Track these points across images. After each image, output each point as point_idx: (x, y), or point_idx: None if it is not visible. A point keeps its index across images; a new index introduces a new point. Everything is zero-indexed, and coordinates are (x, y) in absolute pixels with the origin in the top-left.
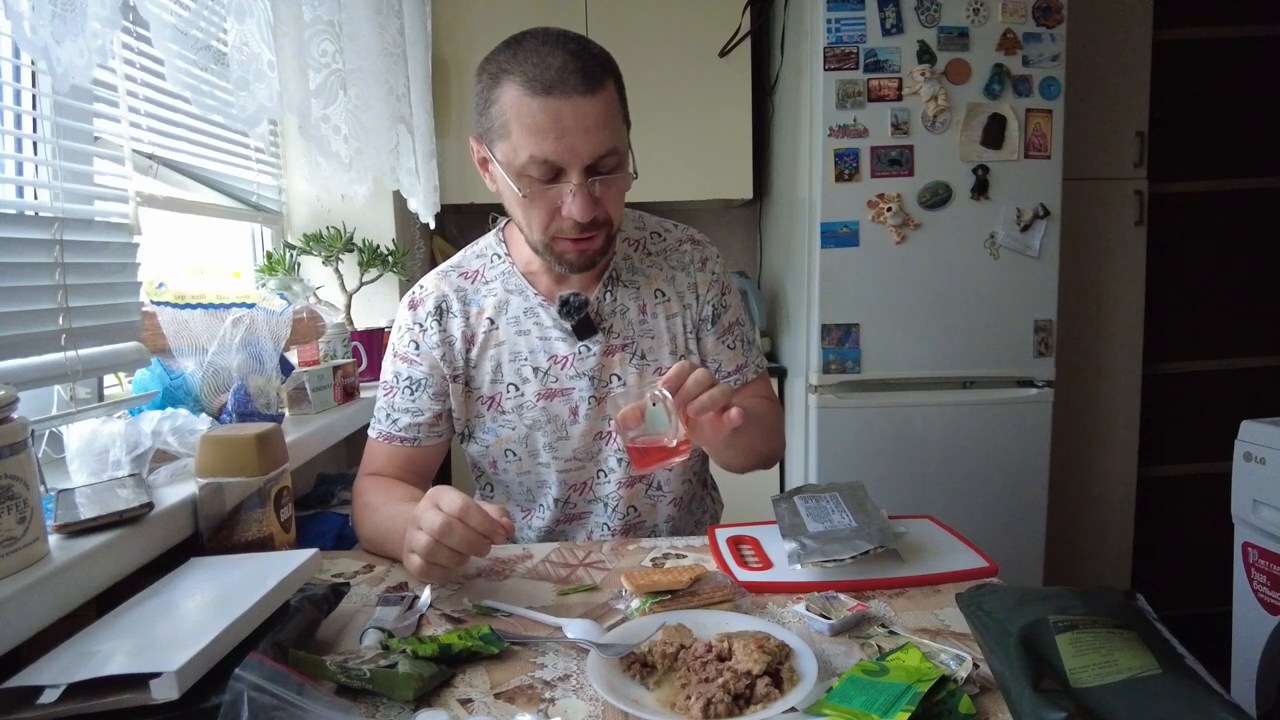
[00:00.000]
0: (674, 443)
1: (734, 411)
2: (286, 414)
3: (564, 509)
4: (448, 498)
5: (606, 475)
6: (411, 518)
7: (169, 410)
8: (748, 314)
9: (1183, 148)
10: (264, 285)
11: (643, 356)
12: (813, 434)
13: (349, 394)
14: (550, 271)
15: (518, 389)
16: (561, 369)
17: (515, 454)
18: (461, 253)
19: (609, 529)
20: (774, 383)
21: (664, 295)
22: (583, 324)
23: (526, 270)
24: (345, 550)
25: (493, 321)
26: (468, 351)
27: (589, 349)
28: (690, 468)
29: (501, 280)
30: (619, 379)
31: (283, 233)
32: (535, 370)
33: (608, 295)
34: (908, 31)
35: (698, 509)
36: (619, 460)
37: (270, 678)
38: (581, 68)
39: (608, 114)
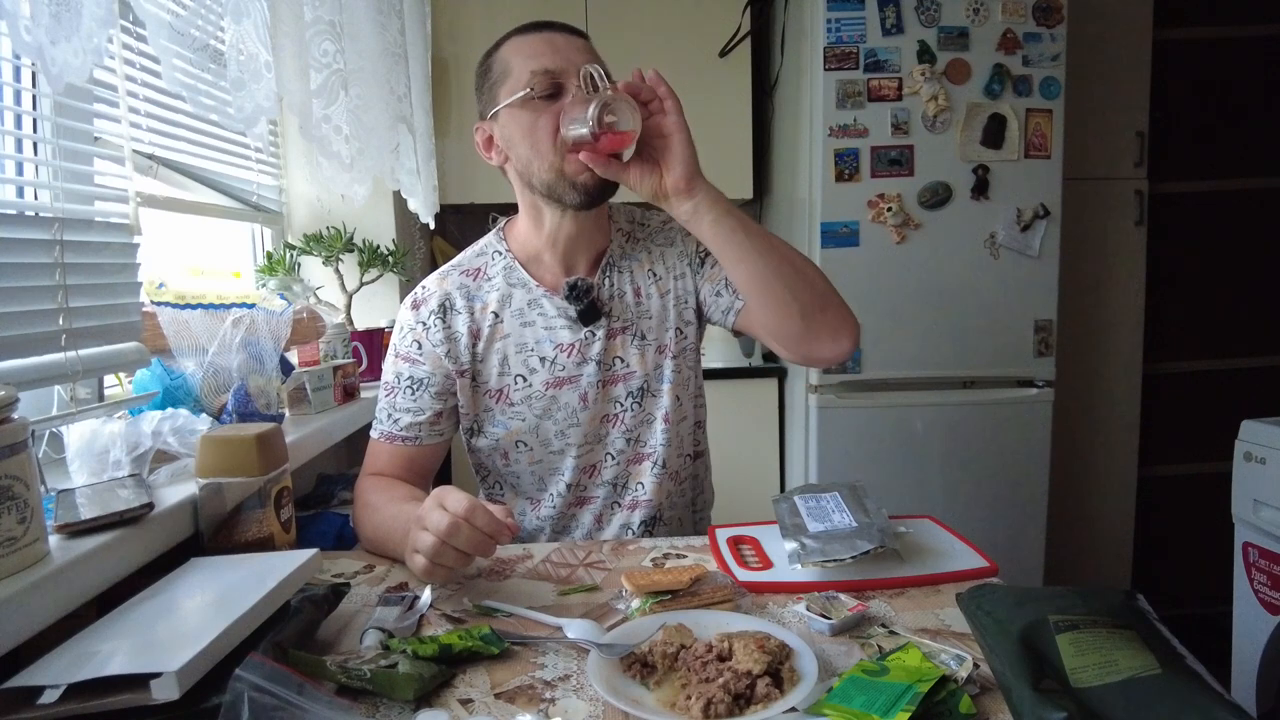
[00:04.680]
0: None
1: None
2: (286, 414)
3: (574, 493)
4: (453, 498)
5: (614, 457)
6: (416, 518)
7: (169, 410)
8: None
9: (1183, 148)
10: (264, 285)
11: (643, 337)
12: (813, 434)
13: (349, 394)
14: (555, 251)
15: (525, 380)
16: (568, 356)
17: (527, 444)
18: (461, 254)
19: (620, 505)
20: (774, 383)
21: (656, 275)
22: (589, 308)
23: (528, 263)
24: (345, 550)
25: (497, 315)
26: (474, 346)
27: (594, 334)
28: (684, 440)
29: (503, 275)
30: (622, 361)
31: (283, 233)
32: (542, 360)
33: (606, 281)
34: (908, 31)
35: (691, 486)
36: (627, 440)
37: (270, 678)
38: (569, 26)
39: (596, 52)
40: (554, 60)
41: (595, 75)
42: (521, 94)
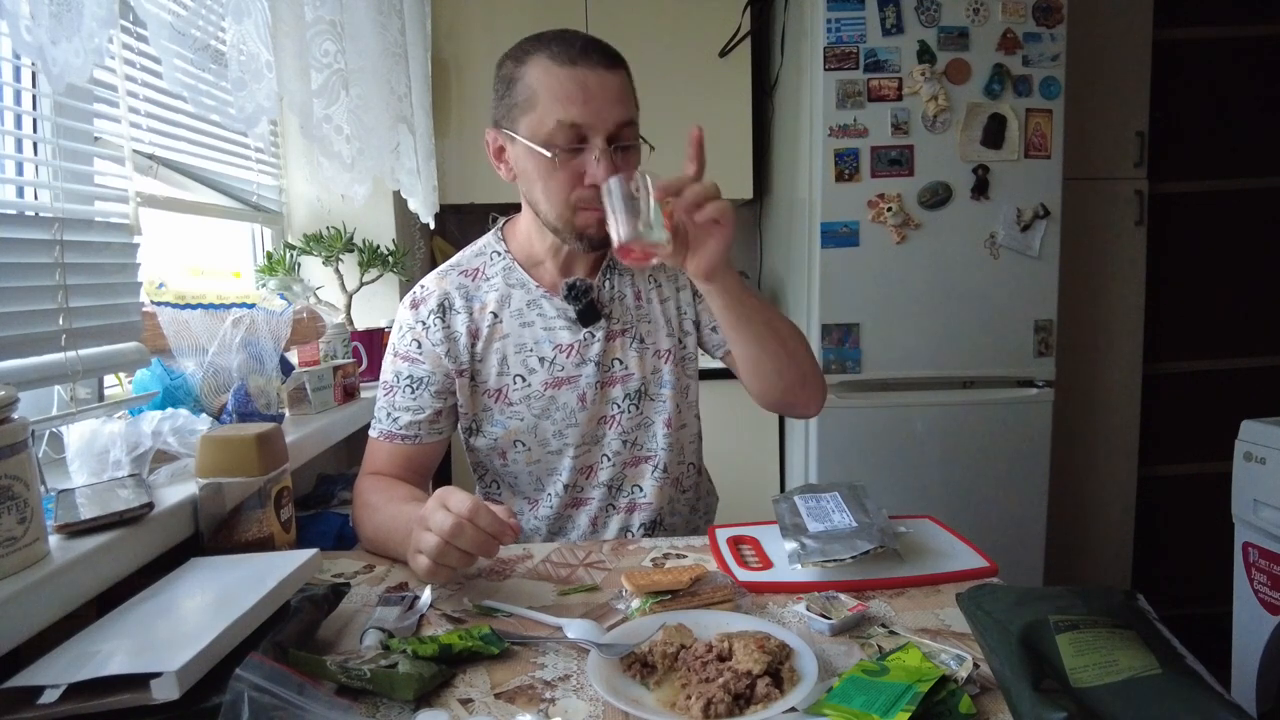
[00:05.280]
0: (641, 228)
1: (712, 186)
2: (286, 414)
3: (572, 494)
4: (456, 498)
5: (611, 459)
6: (418, 519)
7: (169, 410)
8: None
9: (1183, 148)
10: (264, 285)
11: (641, 340)
12: (813, 434)
13: (349, 394)
14: (555, 257)
15: (524, 380)
16: (567, 357)
17: (525, 444)
18: (460, 253)
19: (616, 508)
20: None
21: (656, 281)
22: (588, 309)
23: (528, 264)
24: (345, 550)
25: (496, 315)
26: (473, 346)
27: (593, 335)
28: (686, 449)
29: (503, 275)
30: (621, 363)
31: (283, 233)
32: (541, 360)
33: (606, 283)
34: (908, 31)
35: (693, 493)
36: (624, 442)
37: (270, 678)
38: (601, 48)
39: (626, 90)
40: (583, 113)
41: (646, 187)
42: (543, 149)
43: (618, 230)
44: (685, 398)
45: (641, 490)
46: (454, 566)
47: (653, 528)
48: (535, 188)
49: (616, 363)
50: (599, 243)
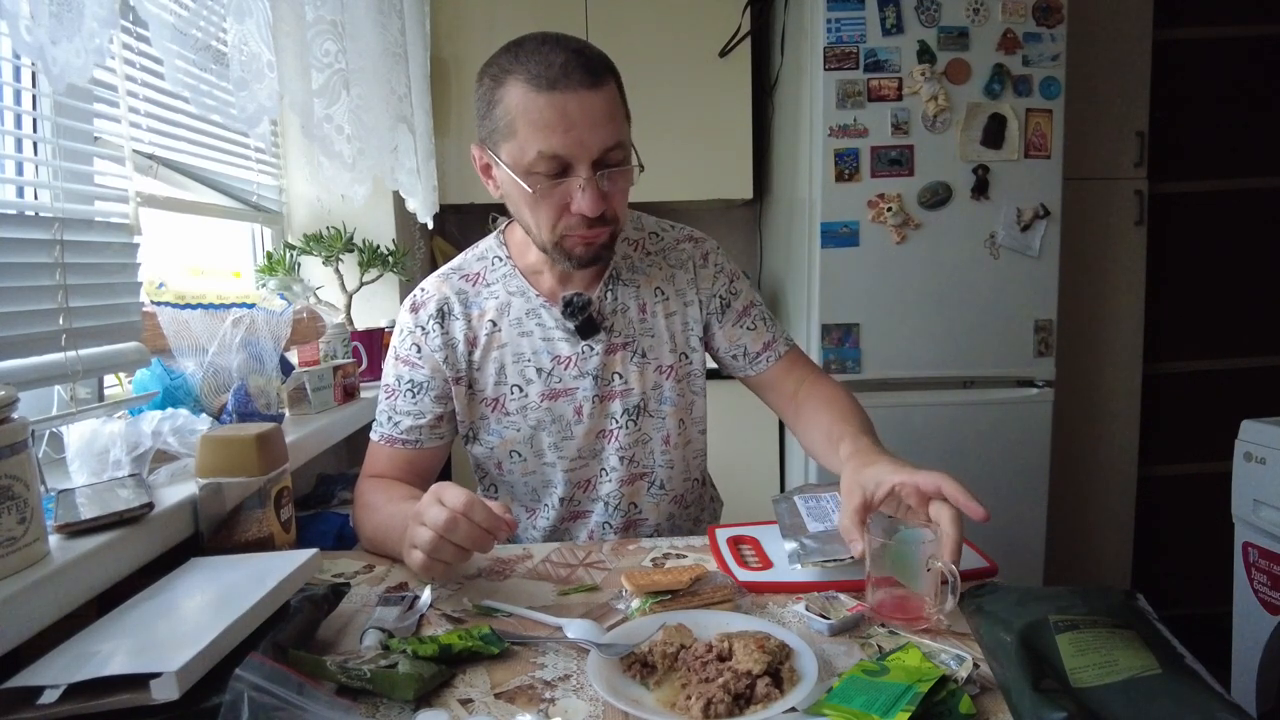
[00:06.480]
0: (931, 607)
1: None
2: (286, 414)
3: (568, 507)
4: (451, 493)
5: (608, 474)
6: (414, 513)
7: (169, 410)
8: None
9: (1183, 148)
10: (264, 285)
11: (643, 355)
12: None
13: (349, 394)
14: (553, 269)
15: (521, 390)
16: (565, 369)
17: (520, 455)
18: (462, 255)
19: (611, 526)
20: None
21: (663, 294)
22: (586, 324)
23: (528, 272)
24: (345, 550)
25: (495, 324)
26: (470, 354)
27: (592, 349)
28: (691, 465)
29: (503, 282)
30: (620, 377)
31: (283, 233)
32: (539, 371)
33: (608, 294)
34: (908, 31)
35: (696, 507)
36: (621, 459)
37: (270, 678)
38: (584, 63)
39: (612, 107)
40: (564, 142)
41: (955, 578)
42: (524, 182)
43: (937, 611)
44: (690, 414)
45: (638, 508)
46: (448, 562)
47: None
48: (522, 212)
49: (616, 377)
50: (588, 263)
